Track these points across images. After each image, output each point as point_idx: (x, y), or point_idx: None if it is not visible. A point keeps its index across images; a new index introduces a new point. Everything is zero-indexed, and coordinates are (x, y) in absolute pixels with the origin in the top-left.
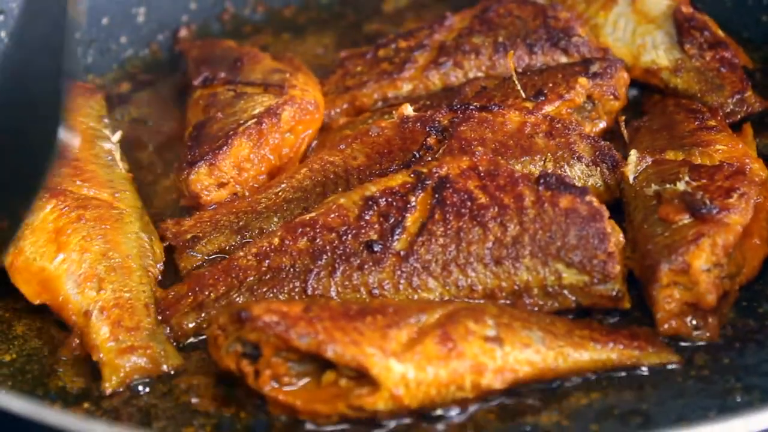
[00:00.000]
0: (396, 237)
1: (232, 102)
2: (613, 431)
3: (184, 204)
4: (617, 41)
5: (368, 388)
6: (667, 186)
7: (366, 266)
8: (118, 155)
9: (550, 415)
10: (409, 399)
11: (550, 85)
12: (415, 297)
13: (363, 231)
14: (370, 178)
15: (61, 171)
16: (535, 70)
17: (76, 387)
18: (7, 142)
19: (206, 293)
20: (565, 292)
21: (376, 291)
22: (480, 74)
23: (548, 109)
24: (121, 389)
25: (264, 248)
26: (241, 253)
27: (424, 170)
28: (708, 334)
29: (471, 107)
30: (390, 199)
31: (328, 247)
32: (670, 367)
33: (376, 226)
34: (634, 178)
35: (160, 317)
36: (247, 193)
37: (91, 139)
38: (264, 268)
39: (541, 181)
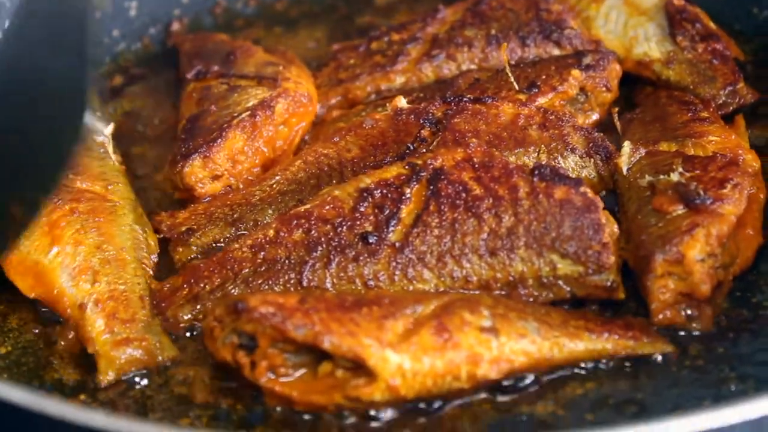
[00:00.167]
0: (391, 228)
1: (226, 95)
2: (608, 420)
3: (178, 197)
4: (609, 33)
5: (365, 378)
6: (661, 177)
7: (361, 258)
8: (110, 148)
9: (546, 405)
10: (405, 389)
11: (543, 77)
12: (411, 288)
13: (358, 223)
14: (364, 170)
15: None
16: (528, 62)
17: (71, 379)
18: (27, 128)
19: (201, 285)
20: (560, 282)
21: (371, 282)
22: (473, 67)
23: (541, 101)
24: (117, 381)
25: (259, 240)
26: (236, 245)
27: (419, 162)
28: (702, 324)
29: (465, 99)
30: (385, 191)
31: (323, 239)
32: (664, 356)
33: (371, 217)
34: (628, 169)
35: (155, 309)
36: (241, 186)
37: None
38: (259, 260)
39: (536, 172)
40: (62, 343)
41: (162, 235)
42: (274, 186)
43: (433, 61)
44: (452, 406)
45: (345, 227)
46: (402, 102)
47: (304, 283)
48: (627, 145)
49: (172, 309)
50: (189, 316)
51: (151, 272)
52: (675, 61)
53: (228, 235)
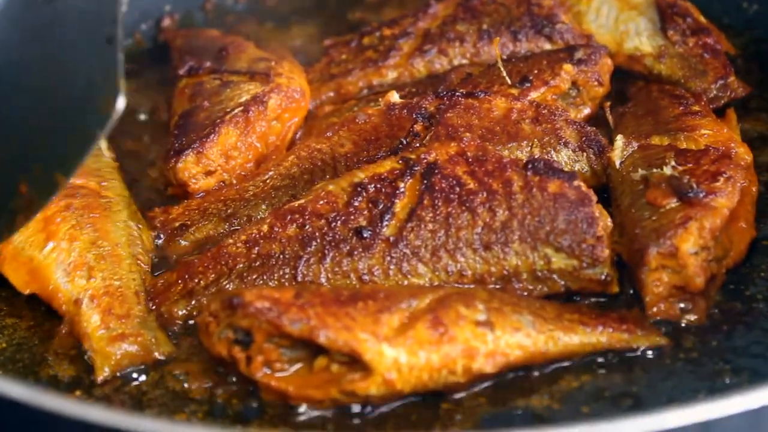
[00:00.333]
0: (385, 223)
1: (218, 90)
2: (604, 413)
3: (171, 192)
4: (600, 28)
5: (360, 373)
6: (654, 170)
7: (356, 252)
8: (104, 144)
9: (541, 399)
10: (401, 383)
11: (535, 71)
12: (405, 282)
13: (352, 217)
14: (357, 165)
15: None
16: (519, 56)
17: (67, 375)
18: (53, 102)
19: (196, 281)
20: (554, 276)
21: (366, 277)
22: (465, 61)
23: (534, 95)
24: (112, 377)
25: (253, 235)
26: (231, 241)
27: (413, 156)
28: (696, 317)
29: (457, 94)
30: (379, 186)
31: (317, 234)
32: (659, 349)
33: (366, 212)
34: (621, 163)
35: (150, 305)
36: (234, 181)
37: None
38: (254, 255)
39: (530, 166)
40: (57, 339)
41: (156, 231)
42: (268, 181)
43: (424, 56)
44: (448, 399)
45: (339, 222)
46: (395, 97)
47: (299, 278)
48: (620, 139)
49: (167, 304)
50: (184, 311)
51: (146, 268)
52: (666, 55)
53: (222, 231)
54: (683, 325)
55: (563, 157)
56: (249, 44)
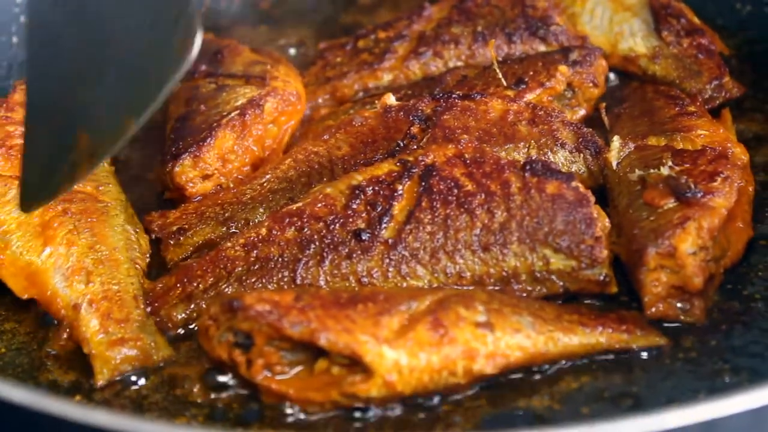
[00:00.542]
0: (384, 225)
1: (214, 94)
2: (604, 414)
3: (168, 197)
4: (595, 29)
5: (361, 375)
6: (651, 171)
7: (354, 255)
8: None
9: (542, 400)
10: (402, 385)
11: (531, 73)
12: (404, 285)
13: (350, 220)
14: (354, 167)
15: None
16: (515, 58)
17: (66, 380)
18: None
19: (195, 284)
20: (553, 277)
21: (365, 279)
22: (460, 64)
23: (529, 97)
24: (112, 381)
25: (252, 239)
26: (229, 244)
27: (410, 159)
28: (695, 317)
29: (454, 96)
30: (377, 188)
31: (316, 237)
32: (658, 349)
33: (364, 214)
34: (618, 163)
35: (149, 309)
36: (231, 185)
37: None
38: (252, 259)
39: (527, 167)
40: (56, 344)
41: (154, 235)
42: (265, 185)
43: (420, 58)
44: (448, 401)
45: (337, 225)
46: (391, 99)
47: (298, 281)
48: (616, 140)
49: (166, 308)
50: (183, 315)
51: (144, 272)
52: (661, 56)
53: (219, 234)
54: (682, 325)
55: (560, 159)
56: (244, 48)
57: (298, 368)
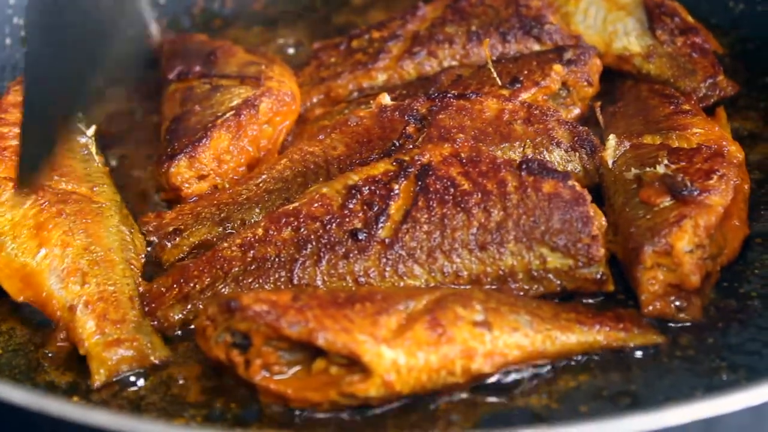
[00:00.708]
0: (380, 225)
1: (209, 95)
2: (602, 412)
3: (164, 197)
4: (588, 29)
5: (359, 375)
6: (647, 169)
7: (351, 254)
8: (93, 149)
9: (540, 398)
10: (400, 385)
11: (526, 72)
12: (401, 284)
13: (347, 219)
14: (350, 167)
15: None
16: (509, 58)
17: (64, 381)
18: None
19: (191, 285)
20: (550, 276)
21: (362, 279)
22: (454, 63)
23: (524, 96)
24: (109, 382)
25: (248, 239)
26: (226, 244)
27: (407, 158)
28: (692, 315)
29: (449, 95)
30: (373, 188)
31: (312, 237)
32: (655, 348)
33: (360, 214)
34: (613, 162)
35: (146, 310)
36: (227, 185)
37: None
38: (249, 259)
39: (524, 166)
40: (53, 345)
41: (150, 237)
42: (261, 185)
43: (414, 58)
44: (447, 400)
45: (334, 224)
46: (386, 99)
47: (295, 281)
48: (612, 138)
49: (163, 309)
50: (180, 315)
51: (139, 273)
52: (655, 54)
53: (215, 235)
54: (679, 323)
55: (556, 158)
56: (238, 48)
57: (296, 368)
